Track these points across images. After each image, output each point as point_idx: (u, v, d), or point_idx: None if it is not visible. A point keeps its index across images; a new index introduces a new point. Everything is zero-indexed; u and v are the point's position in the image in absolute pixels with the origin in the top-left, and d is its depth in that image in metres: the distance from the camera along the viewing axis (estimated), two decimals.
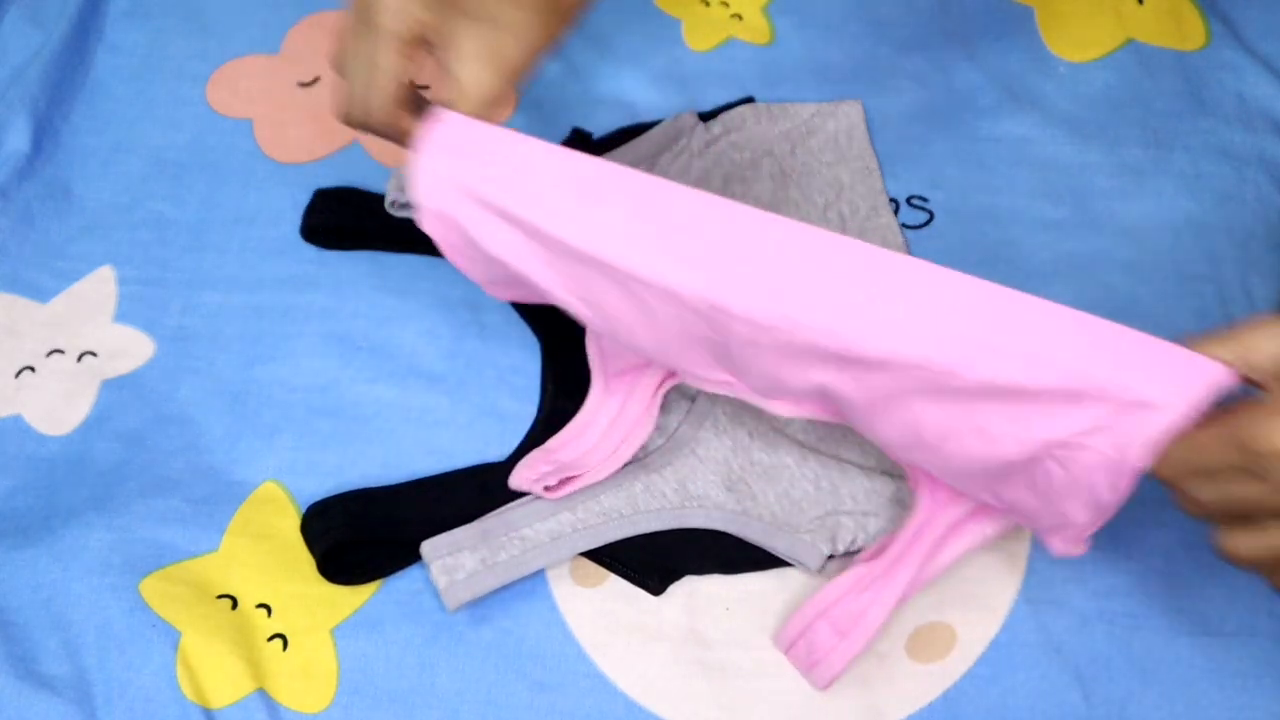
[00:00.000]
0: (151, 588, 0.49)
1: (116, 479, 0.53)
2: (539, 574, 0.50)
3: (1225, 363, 0.36)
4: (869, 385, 0.41)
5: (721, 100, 0.64)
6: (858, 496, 0.51)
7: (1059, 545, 0.43)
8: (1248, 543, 0.37)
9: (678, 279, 0.40)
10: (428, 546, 0.49)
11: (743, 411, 0.53)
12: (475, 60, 0.43)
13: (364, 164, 0.62)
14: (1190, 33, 0.66)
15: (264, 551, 0.51)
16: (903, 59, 0.66)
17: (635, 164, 0.60)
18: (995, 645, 0.49)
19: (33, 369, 0.56)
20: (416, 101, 0.44)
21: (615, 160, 0.60)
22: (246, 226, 0.60)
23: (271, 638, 0.49)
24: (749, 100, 0.64)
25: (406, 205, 0.58)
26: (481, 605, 0.50)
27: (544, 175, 0.42)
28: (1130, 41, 0.66)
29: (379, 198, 0.58)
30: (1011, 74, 0.65)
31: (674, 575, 0.51)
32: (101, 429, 0.54)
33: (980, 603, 0.49)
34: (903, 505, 0.51)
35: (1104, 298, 0.57)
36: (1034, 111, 0.64)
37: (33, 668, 0.47)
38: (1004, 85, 0.65)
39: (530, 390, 0.55)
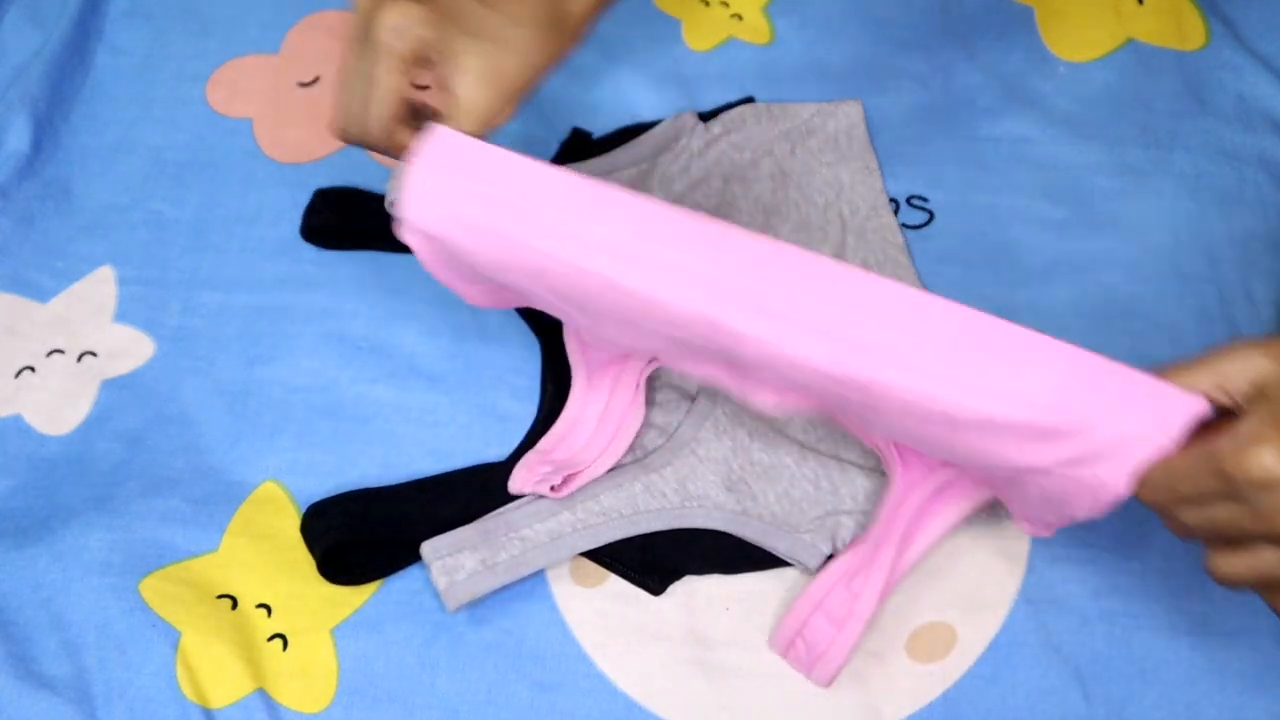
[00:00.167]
0: (151, 588, 0.49)
1: (116, 479, 0.53)
2: (539, 574, 0.50)
3: (1201, 391, 0.37)
4: (854, 396, 0.41)
5: (721, 100, 0.64)
6: (858, 496, 0.51)
7: (1029, 528, 0.45)
8: (1234, 564, 0.37)
9: (676, 297, 0.41)
10: (428, 547, 0.49)
11: (743, 412, 0.53)
12: (476, 78, 0.43)
13: (364, 164, 0.62)
14: (1190, 33, 0.66)
15: (264, 551, 0.51)
16: (903, 59, 0.66)
17: (635, 164, 0.61)
18: (995, 645, 0.49)
19: (33, 369, 0.56)
20: (414, 117, 0.43)
21: (615, 160, 0.61)
22: (246, 226, 0.60)
23: (271, 638, 0.49)
24: (749, 100, 0.64)
25: None
26: (481, 605, 0.50)
27: (538, 193, 0.42)
28: (1130, 41, 0.66)
29: (379, 198, 0.58)
30: (1011, 74, 0.65)
31: (674, 575, 0.51)
32: (101, 429, 0.54)
33: (980, 603, 0.49)
34: None
35: (1104, 298, 0.57)
36: (1034, 111, 0.64)
37: (33, 668, 0.47)
38: (1004, 85, 0.65)
39: (530, 390, 0.55)
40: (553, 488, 0.50)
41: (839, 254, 0.58)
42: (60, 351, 0.57)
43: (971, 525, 0.50)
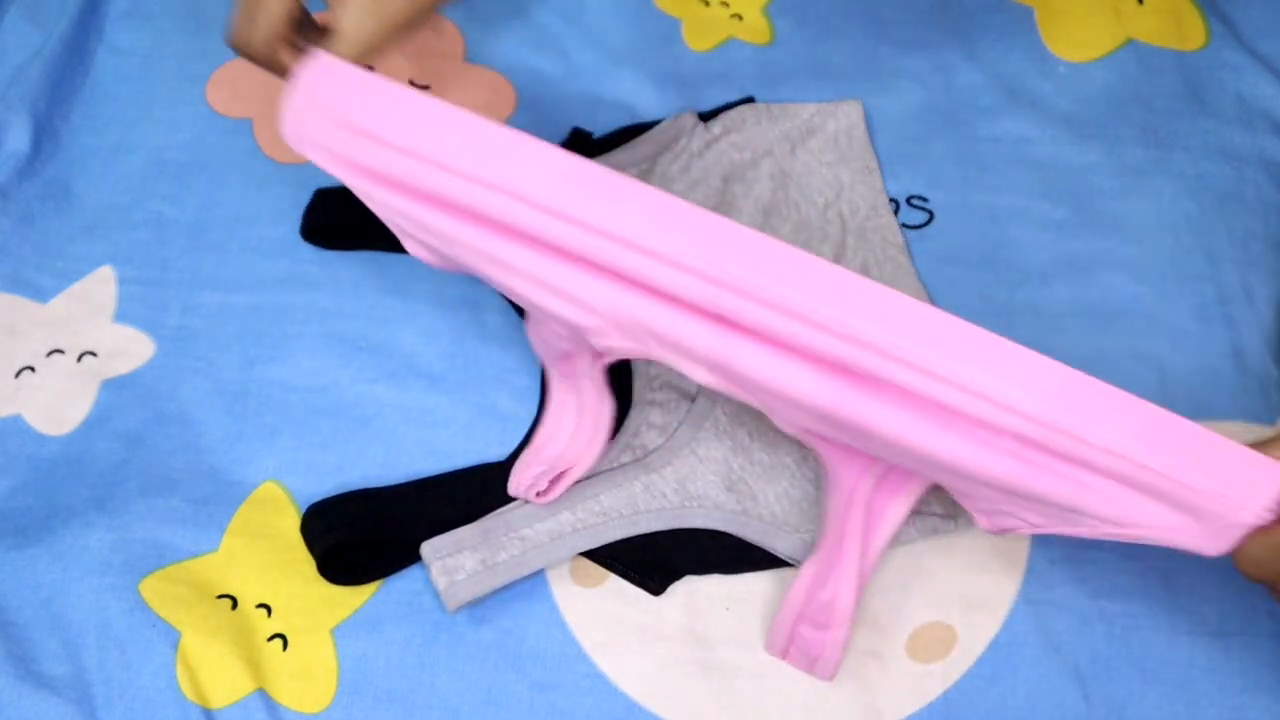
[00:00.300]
0: (151, 588, 0.49)
1: (116, 479, 0.53)
2: (539, 574, 0.50)
3: None
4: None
5: (721, 100, 0.64)
6: None
7: (985, 522, 0.43)
8: None
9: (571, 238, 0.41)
10: (428, 547, 0.49)
11: (743, 412, 0.53)
12: (359, 7, 0.44)
13: None
14: (1190, 33, 0.66)
15: (264, 551, 0.51)
16: (903, 59, 0.66)
17: (635, 164, 0.61)
18: (995, 645, 0.49)
19: (33, 369, 0.56)
20: (298, 39, 0.45)
21: (615, 161, 0.61)
22: (246, 226, 0.60)
23: (271, 638, 0.49)
24: (749, 100, 0.64)
25: None
26: (481, 605, 0.50)
27: (420, 122, 0.42)
28: (1130, 41, 0.66)
29: None
30: (1011, 74, 0.65)
31: (674, 575, 0.51)
32: (101, 429, 0.54)
33: (980, 603, 0.49)
34: None
35: (1104, 298, 0.57)
36: (1034, 111, 0.64)
37: (33, 668, 0.47)
38: (1004, 85, 0.65)
39: (530, 390, 0.55)
40: (539, 494, 0.50)
41: (839, 254, 0.58)
42: (60, 351, 0.57)
43: (971, 525, 0.50)
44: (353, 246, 0.59)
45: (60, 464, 0.53)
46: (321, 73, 0.43)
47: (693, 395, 0.54)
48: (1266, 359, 0.55)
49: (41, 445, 0.54)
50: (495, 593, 0.49)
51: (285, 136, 0.44)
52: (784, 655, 0.48)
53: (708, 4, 0.69)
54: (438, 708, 0.48)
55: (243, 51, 0.46)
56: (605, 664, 0.49)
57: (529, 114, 0.64)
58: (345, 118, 0.43)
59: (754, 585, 0.51)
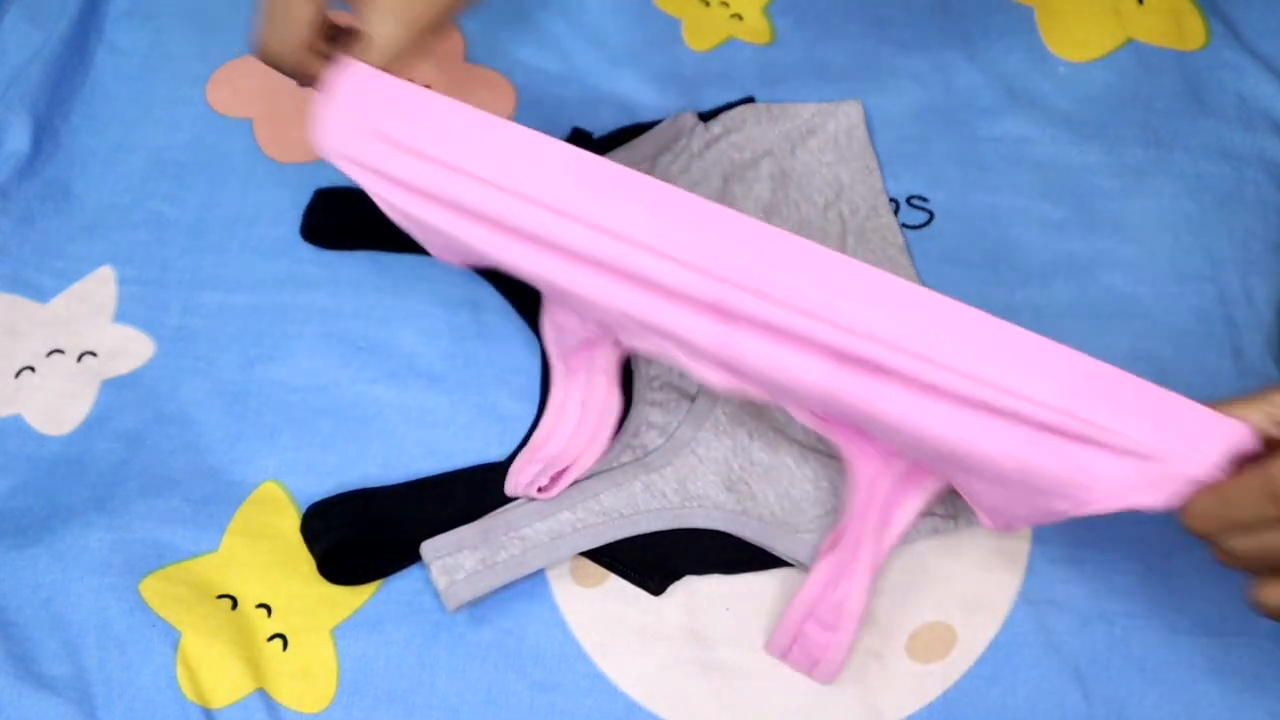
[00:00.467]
0: (151, 588, 0.49)
1: (116, 479, 0.53)
2: (539, 574, 0.50)
3: (1252, 423, 0.37)
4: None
5: (721, 100, 0.64)
6: None
7: (989, 522, 0.44)
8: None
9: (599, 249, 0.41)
10: (428, 547, 0.49)
11: (743, 411, 0.53)
12: (387, 12, 0.44)
13: None
14: (1190, 33, 0.66)
15: (264, 551, 0.51)
16: (903, 59, 0.66)
17: (635, 164, 0.61)
18: (995, 645, 0.49)
19: (33, 369, 0.56)
20: (327, 47, 0.45)
21: (614, 161, 0.61)
22: (246, 226, 0.60)
23: (271, 638, 0.49)
24: (749, 100, 0.64)
25: None
26: (481, 605, 0.50)
27: (453, 130, 0.42)
28: (1130, 41, 0.66)
29: None
30: (1011, 74, 0.65)
31: (674, 575, 0.51)
32: (101, 429, 0.54)
33: (980, 603, 0.49)
34: None
35: (1104, 298, 0.57)
36: (1034, 111, 0.64)
37: (33, 668, 0.47)
38: (1004, 85, 0.65)
39: (530, 390, 0.55)
40: (540, 489, 0.50)
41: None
42: (60, 351, 0.57)
43: (971, 525, 0.50)
44: (353, 246, 0.59)
45: (60, 464, 0.53)
46: (355, 81, 0.43)
47: (693, 395, 0.54)
48: (1266, 359, 0.55)
49: (41, 445, 0.54)
50: (495, 592, 0.49)
51: (317, 147, 0.44)
52: (785, 655, 0.48)
53: (708, 4, 0.69)
54: (438, 708, 0.48)
55: (273, 63, 0.45)
56: (605, 664, 0.49)
57: (529, 114, 0.64)
58: (384, 129, 0.43)
59: (754, 585, 0.51)
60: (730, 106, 0.63)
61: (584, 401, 0.52)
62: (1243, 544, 0.37)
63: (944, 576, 0.50)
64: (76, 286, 0.59)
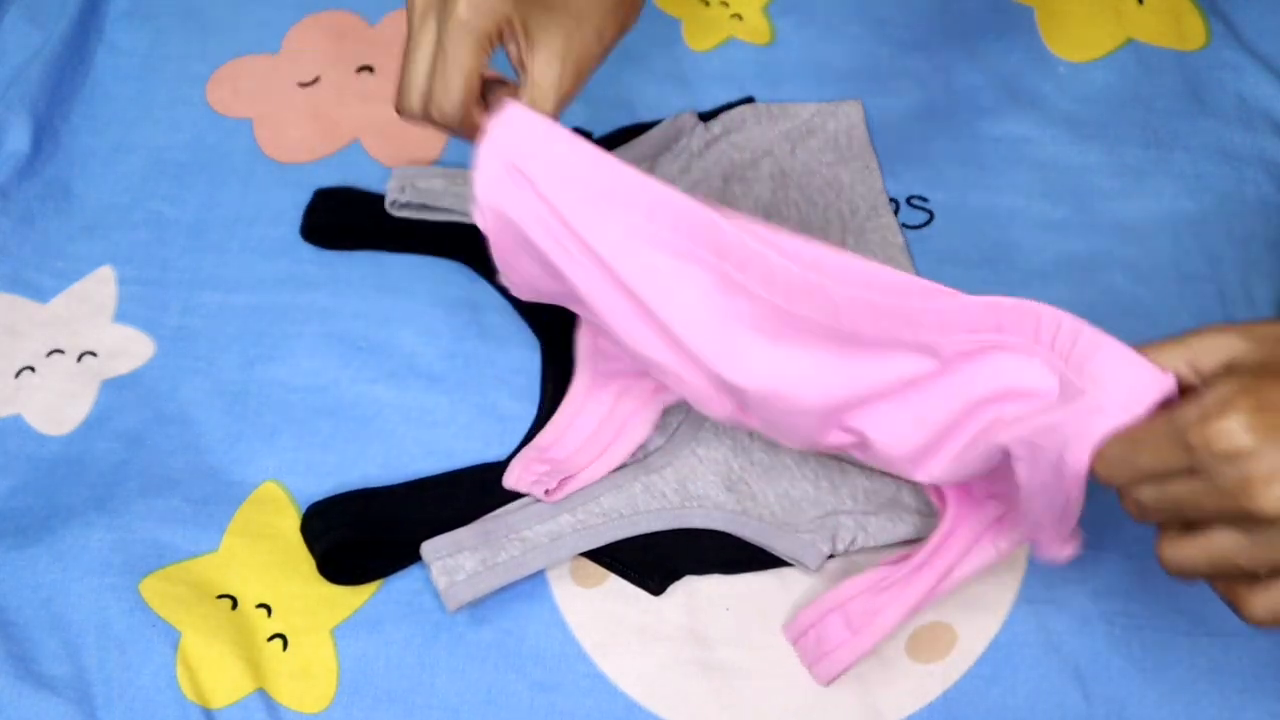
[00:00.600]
0: (151, 588, 0.49)
1: (116, 479, 0.53)
2: (539, 574, 0.50)
3: (1172, 368, 0.36)
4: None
5: (721, 100, 0.64)
6: (858, 496, 0.51)
7: (1046, 551, 0.42)
8: (1188, 549, 0.35)
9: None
10: (428, 547, 0.49)
11: None
12: (552, 55, 0.41)
13: (364, 164, 0.62)
14: (1190, 33, 0.66)
15: (264, 551, 0.51)
16: (903, 59, 0.66)
17: (635, 164, 0.60)
18: (995, 645, 0.49)
19: (33, 369, 0.56)
20: (485, 96, 0.42)
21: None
22: (246, 226, 0.60)
23: (271, 638, 0.49)
24: (749, 100, 0.64)
25: (407, 205, 0.58)
26: (481, 606, 0.50)
27: (608, 190, 0.41)
28: (1130, 41, 0.66)
29: (379, 198, 0.59)
30: (1011, 74, 0.65)
31: (674, 575, 0.50)
32: (101, 429, 0.54)
33: (980, 603, 0.49)
34: (902, 506, 0.51)
35: (1104, 298, 0.57)
36: (1034, 111, 0.64)
37: (33, 668, 0.47)
38: (1004, 85, 0.65)
39: (530, 390, 0.55)
40: (547, 491, 0.50)
41: None
42: (60, 351, 0.57)
43: None
44: (353, 246, 0.59)
45: (60, 464, 0.53)
46: (521, 130, 0.40)
47: None
48: None
49: (41, 445, 0.54)
50: (495, 593, 0.49)
51: (479, 196, 0.41)
52: (798, 640, 0.48)
53: (708, 4, 0.69)
54: (438, 708, 0.48)
55: (424, 117, 0.42)
56: (605, 664, 0.49)
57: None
58: (551, 186, 0.40)
59: (754, 585, 0.51)
60: (730, 106, 0.63)
61: (603, 419, 0.52)
62: (1150, 494, 0.35)
63: None
64: (76, 286, 0.59)
